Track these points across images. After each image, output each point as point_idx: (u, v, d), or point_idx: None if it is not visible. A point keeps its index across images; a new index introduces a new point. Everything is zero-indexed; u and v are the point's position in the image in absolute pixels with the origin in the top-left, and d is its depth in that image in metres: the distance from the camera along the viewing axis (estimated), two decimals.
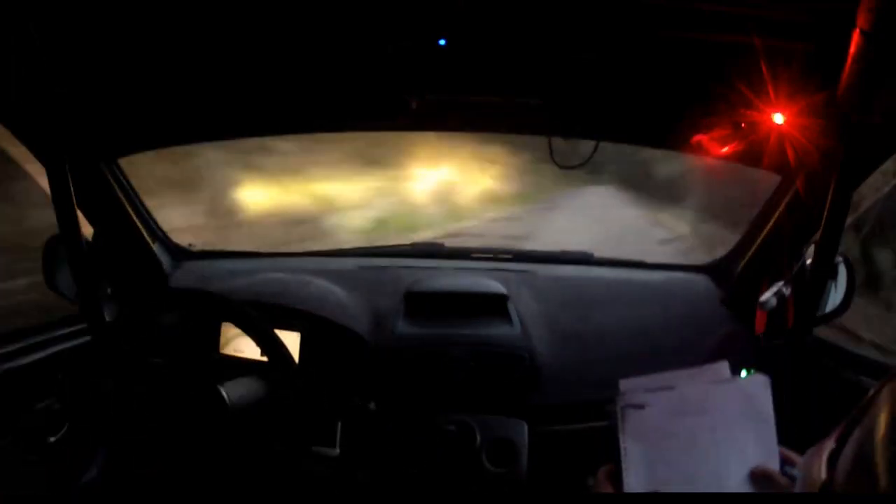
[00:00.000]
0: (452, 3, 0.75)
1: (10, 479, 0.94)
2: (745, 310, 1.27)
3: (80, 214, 0.96)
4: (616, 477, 0.55)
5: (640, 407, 0.55)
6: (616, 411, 0.55)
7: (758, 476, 0.55)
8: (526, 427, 1.12)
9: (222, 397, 0.84)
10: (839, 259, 1.08)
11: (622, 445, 0.55)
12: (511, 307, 1.28)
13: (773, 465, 0.56)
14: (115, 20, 0.80)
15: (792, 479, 0.54)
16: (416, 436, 1.10)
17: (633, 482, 0.54)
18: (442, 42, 0.85)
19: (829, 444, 0.45)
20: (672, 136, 1.14)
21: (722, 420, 0.56)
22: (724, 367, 0.58)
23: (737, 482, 0.55)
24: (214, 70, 0.95)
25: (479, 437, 1.08)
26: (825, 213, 0.86)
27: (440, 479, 1.07)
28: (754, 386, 0.57)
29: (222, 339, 1.16)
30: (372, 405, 1.11)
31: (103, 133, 1.12)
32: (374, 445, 1.12)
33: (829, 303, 1.11)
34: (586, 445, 1.23)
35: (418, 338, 1.20)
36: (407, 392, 1.18)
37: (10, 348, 1.00)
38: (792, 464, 0.56)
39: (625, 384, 0.57)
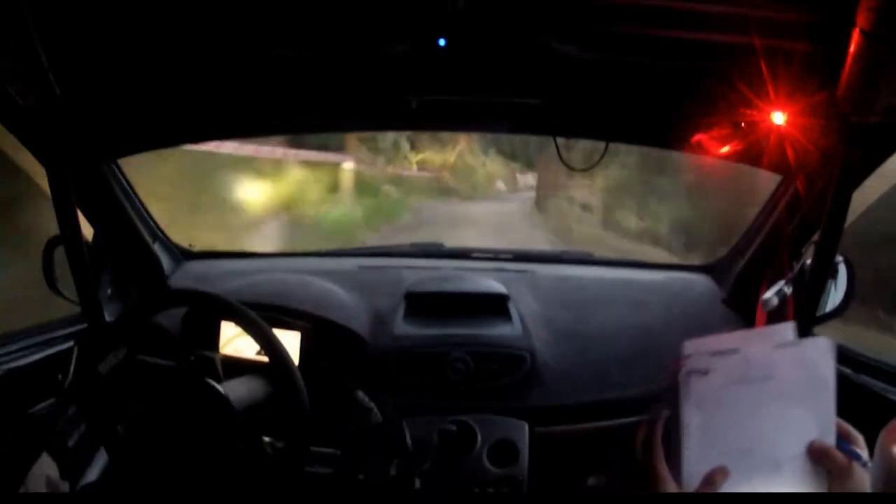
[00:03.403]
0: (452, 4, 0.75)
1: (11, 478, 0.94)
2: (745, 309, 1.27)
3: (80, 215, 0.96)
4: (672, 450, 0.52)
5: (704, 372, 0.51)
6: (679, 377, 0.51)
7: (815, 452, 0.52)
8: (526, 427, 1.12)
9: (225, 397, 0.84)
10: (839, 259, 1.08)
11: (683, 415, 0.51)
12: (512, 307, 1.28)
13: (830, 438, 0.52)
14: (115, 20, 0.80)
15: (852, 456, 0.51)
16: (416, 436, 1.10)
17: (692, 456, 0.51)
18: (442, 42, 0.85)
19: None
20: (672, 135, 1.14)
21: (784, 387, 0.52)
22: (788, 328, 0.54)
23: (793, 456, 0.52)
24: (214, 70, 0.96)
25: (479, 438, 1.08)
26: (825, 213, 0.86)
27: (440, 480, 1.07)
28: (818, 350, 0.53)
29: (222, 339, 1.16)
30: (372, 405, 1.11)
31: (103, 133, 1.12)
32: (373, 445, 1.12)
33: (829, 303, 1.11)
34: (587, 446, 1.24)
35: (419, 338, 1.20)
36: (407, 392, 1.18)
37: (11, 348, 1.00)
38: (849, 439, 0.53)
39: (689, 346, 0.52)
